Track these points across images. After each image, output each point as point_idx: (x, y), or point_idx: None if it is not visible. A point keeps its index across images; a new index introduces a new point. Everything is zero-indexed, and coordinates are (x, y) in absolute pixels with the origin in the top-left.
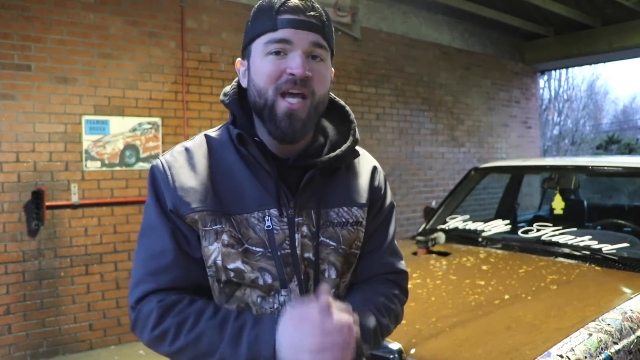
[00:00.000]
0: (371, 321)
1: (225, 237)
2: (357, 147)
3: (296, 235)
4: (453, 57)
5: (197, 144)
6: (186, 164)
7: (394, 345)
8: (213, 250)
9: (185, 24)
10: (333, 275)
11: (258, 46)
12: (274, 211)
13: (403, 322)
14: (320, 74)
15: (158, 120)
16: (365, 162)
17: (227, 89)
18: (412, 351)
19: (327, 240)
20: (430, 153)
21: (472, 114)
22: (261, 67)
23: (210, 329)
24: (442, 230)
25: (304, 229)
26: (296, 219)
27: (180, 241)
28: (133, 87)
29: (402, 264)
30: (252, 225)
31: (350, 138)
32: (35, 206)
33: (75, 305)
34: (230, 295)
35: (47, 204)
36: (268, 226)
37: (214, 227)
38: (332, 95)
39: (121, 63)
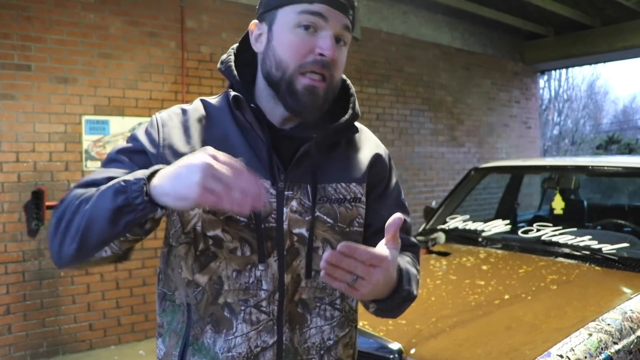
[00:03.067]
0: (402, 262)
1: None
2: (357, 124)
3: (284, 209)
4: (453, 57)
5: (194, 107)
6: (180, 125)
7: (394, 345)
8: (193, 216)
9: (185, 24)
10: None
11: (288, 14)
12: (264, 182)
13: (403, 322)
14: (341, 60)
15: None
16: (367, 139)
17: (224, 56)
18: (412, 351)
19: (324, 217)
20: (430, 153)
21: (472, 114)
22: (288, 40)
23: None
24: (442, 230)
25: (294, 203)
26: (286, 192)
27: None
28: (133, 87)
29: (414, 240)
30: None
31: (350, 111)
32: (35, 206)
33: (75, 305)
34: (205, 266)
35: (47, 204)
36: None
37: None
38: None
39: (121, 63)
